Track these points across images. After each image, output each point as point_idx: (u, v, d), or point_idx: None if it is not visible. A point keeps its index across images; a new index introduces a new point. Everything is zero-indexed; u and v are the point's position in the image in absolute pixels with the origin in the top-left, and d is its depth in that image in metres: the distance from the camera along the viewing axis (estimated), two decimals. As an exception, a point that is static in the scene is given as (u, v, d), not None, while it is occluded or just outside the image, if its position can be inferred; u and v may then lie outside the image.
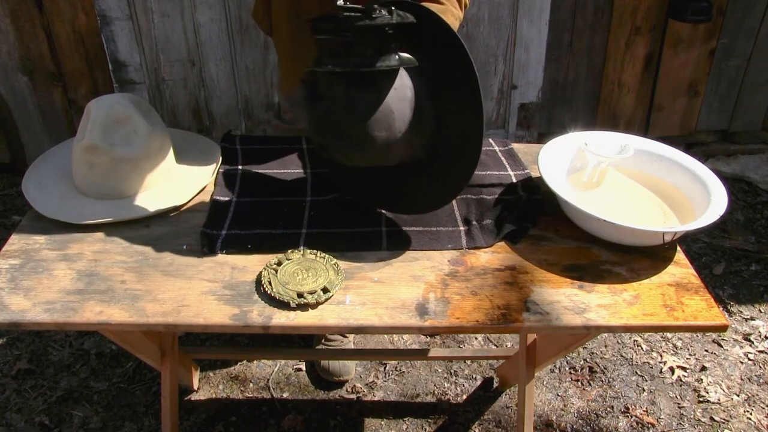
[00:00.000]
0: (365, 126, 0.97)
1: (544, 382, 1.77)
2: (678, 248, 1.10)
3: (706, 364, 1.84)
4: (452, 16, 1.24)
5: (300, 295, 0.96)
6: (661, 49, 2.47)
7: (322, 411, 1.67)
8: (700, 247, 2.28)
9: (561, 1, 2.32)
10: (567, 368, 1.82)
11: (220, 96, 2.40)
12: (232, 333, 1.82)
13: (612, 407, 1.71)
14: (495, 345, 1.90)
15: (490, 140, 1.43)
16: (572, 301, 0.98)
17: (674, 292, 1.01)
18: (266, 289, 0.97)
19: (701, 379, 1.79)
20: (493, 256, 1.08)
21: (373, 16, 0.92)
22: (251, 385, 1.75)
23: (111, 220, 1.11)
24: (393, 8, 0.96)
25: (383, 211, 1.19)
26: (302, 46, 1.33)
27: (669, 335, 1.92)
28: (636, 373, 1.81)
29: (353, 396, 1.72)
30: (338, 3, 0.94)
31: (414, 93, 1.00)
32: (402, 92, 0.98)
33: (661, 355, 1.86)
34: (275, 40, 1.44)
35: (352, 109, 0.97)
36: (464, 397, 1.73)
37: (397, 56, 0.96)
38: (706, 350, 1.89)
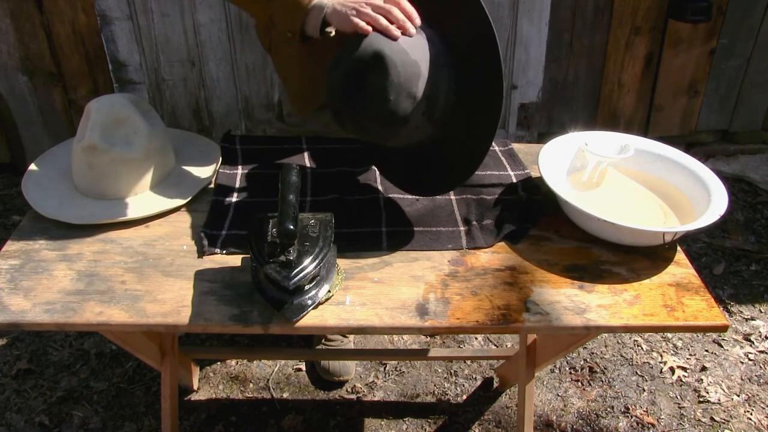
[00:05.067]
0: (370, 95, 0.98)
1: (544, 382, 1.77)
2: (678, 248, 1.10)
3: (707, 364, 1.84)
4: None
5: (300, 296, 0.96)
6: (661, 49, 2.47)
7: (322, 411, 1.67)
8: (700, 247, 2.28)
9: (561, 1, 2.32)
10: (567, 368, 1.82)
11: (220, 96, 2.40)
12: (232, 333, 1.82)
13: (612, 407, 1.71)
14: (495, 345, 1.90)
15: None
16: (572, 301, 0.98)
17: (674, 292, 1.01)
18: (266, 290, 0.97)
19: (701, 379, 1.79)
20: (493, 256, 1.08)
21: None
22: (251, 385, 1.75)
23: (111, 220, 1.11)
24: None
25: (381, 183, 1.21)
26: (313, 83, 1.33)
27: (669, 335, 1.92)
28: (636, 373, 1.81)
29: (353, 396, 1.72)
30: None
31: (430, 68, 1.00)
32: (413, 69, 0.98)
33: (661, 355, 1.86)
34: (275, 60, 1.43)
35: (361, 80, 0.98)
36: (464, 397, 1.73)
37: None
38: (707, 350, 1.89)
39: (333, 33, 1.12)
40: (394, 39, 1.01)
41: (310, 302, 0.94)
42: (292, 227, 0.89)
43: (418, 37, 1.02)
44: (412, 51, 0.98)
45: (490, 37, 0.97)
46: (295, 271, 0.91)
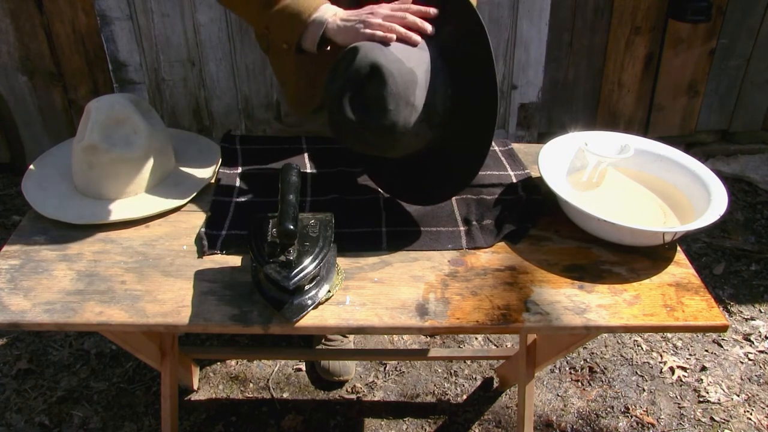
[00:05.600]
0: (373, 108, 0.97)
1: (544, 382, 1.77)
2: (678, 248, 1.10)
3: (706, 364, 1.84)
4: None
5: (300, 296, 0.96)
6: (661, 49, 2.47)
7: (322, 411, 1.67)
8: (700, 247, 2.28)
9: (561, 1, 2.32)
10: (567, 368, 1.82)
11: (220, 96, 2.40)
12: (232, 333, 1.82)
13: (612, 407, 1.71)
14: (495, 345, 1.90)
15: (490, 140, 1.43)
16: (572, 301, 0.98)
17: (674, 292, 1.01)
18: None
19: (701, 379, 1.79)
20: (493, 256, 1.08)
21: None
22: (251, 385, 1.75)
23: (111, 220, 1.11)
24: None
25: (385, 197, 1.20)
26: (311, 85, 1.32)
27: (669, 335, 1.92)
28: (636, 373, 1.81)
29: (353, 396, 1.72)
30: None
31: (425, 75, 1.00)
32: (409, 76, 0.98)
33: (661, 355, 1.86)
34: (272, 63, 1.42)
35: (361, 96, 0.97)
36: (464, 397, 1.73)
37: None
38: (706, 350, 1.89)
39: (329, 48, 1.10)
40: (415, 45, 1.00)
41: (310, 302, 0.94)
42: (292, 227, 0.89)
43: (417, 47, 1.01)
44: (407, 59, 0.98)
45: (481, 36, 0.96)
46: (295, 271, 0.91)
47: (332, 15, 1.07)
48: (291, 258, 0.91)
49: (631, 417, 1.68)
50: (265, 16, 1.11)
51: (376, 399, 1.71)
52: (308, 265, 0.92)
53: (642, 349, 1.88)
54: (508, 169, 1.32)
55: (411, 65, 0.98)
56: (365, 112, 0.97)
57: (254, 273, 0.97)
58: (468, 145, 1.03)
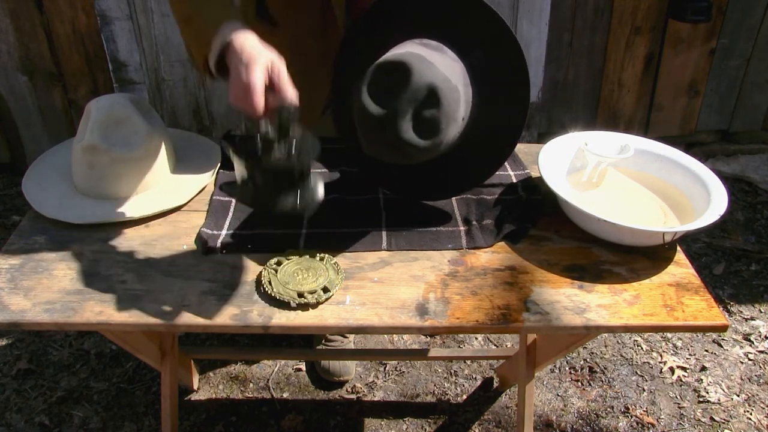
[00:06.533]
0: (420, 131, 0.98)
1: (544, 382, 1.77)
2: (678, 248, 1.10)
3: (706, 364, 1.84)
4: None
5: (300, 295, 0.96)
6: (661, 49, 2.47)
7: (322, 411, 1.68)
8: (700, 247, 2.28)
9: (561, 1, 2.32)
10: (567, 368, 1.82)
11: (220, 96, 2.40)
12: (232, 333, 1.82)
13: (612, 407, 1.71)
14: (495, 345, 1.90)
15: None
16: (572, 301, 0.98)
17: (674, 292, 1.01)
18: (266, 289, 0.97)
19: (701, 379, 1.79)
20: (493, 256, 1.08)
21: None
22: (251, 385, 1.75)
23: (111, 220, 1.11)
24: None
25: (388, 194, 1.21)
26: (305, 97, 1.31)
27: (669, 335, 1.92)
28: (636, 373, 1.81)
29: (353, 396, 1.72)
30: None
31: (466, 90, 1.02)
32: (456, 95, 0.99)
33: (661, 355, 1.86)
34: None
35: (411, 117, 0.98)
36: (464, 397, 1.73)
37: None
38: (706, 350, 1.89)
39: None
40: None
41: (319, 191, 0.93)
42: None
43: (450, 60, 1.02)
44: (452, 77, 0.98)
45: (517, 54, 1.01)
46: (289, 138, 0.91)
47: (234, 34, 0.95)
48: (274, 135, 0.92)
49: (631, 417, 1.68)
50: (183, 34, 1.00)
51: (376, 399, 1.71)
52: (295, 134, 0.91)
53: (642, 349, 1.88)
54: (508, 169, 1.32)
55: (456, 82, 0.98)
56: (420, 132, 0.97)
57: (252, 184, 0.94)
58: (487, 150, 1.06)
